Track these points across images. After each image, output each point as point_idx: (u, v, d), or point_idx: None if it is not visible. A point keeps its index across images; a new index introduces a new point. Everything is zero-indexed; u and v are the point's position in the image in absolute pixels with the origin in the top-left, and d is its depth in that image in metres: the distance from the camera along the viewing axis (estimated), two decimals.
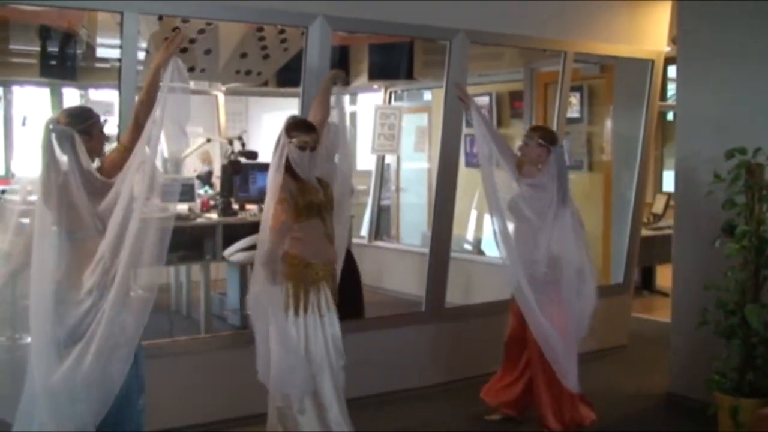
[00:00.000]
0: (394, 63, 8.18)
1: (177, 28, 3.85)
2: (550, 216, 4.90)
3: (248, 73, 7.30)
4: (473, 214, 8.60)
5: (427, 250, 6.19)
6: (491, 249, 8.32)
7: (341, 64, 8.21)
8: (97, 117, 3.88)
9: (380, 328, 5.80)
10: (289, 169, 4.28)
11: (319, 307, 4.35)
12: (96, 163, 3.75)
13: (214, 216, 6.72)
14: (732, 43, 5.48)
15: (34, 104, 9.39)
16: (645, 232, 7.88)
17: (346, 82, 4.77)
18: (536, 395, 5.08)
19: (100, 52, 7.31)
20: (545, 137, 5.09)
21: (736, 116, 5.43)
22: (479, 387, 5.36)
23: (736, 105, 5.46)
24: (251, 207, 7.11)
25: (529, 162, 5.06)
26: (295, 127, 4.33)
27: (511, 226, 5.04)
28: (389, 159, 9.50)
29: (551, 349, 4.87)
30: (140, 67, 6.48)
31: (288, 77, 7.67)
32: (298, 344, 4.27)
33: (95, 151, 3.78)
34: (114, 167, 3.66)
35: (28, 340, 4.59)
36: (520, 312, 4.97)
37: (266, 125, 11.52)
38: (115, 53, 6.47)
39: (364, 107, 10.11)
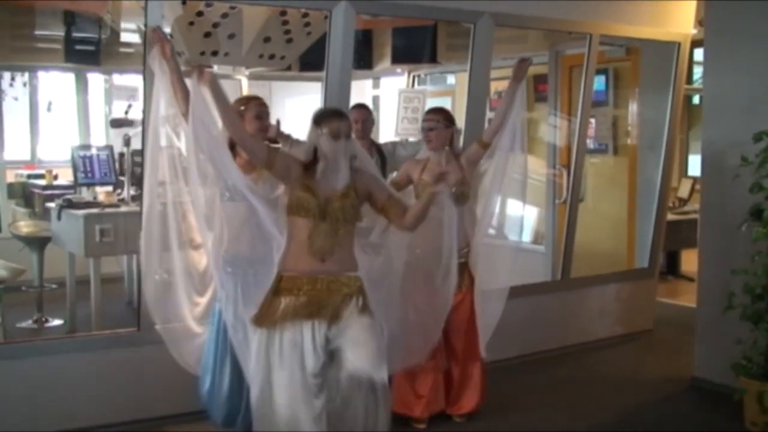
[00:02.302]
0: (417, 46, 8.15)
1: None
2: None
3: (272, 57, 7.28)
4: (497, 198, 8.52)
5: None
6: (515, 233, 8.28)
7: (365, 47, 8.21)
8: (249, 104, 4.30)
9: None
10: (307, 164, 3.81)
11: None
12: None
13: None
14: (760, 26, 5.40)
15: (59, 89, 9.46)
16: (670, 217, 7.81)
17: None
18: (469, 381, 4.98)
19: (124, 37, 7.34)
20: (449, 118, 4.97)
21: (764, 99, 5.36)
22: (507, 370, 5.35)
23: (764, 88, 5.38)
24: None
25: (438, 146, 4.89)
26: (323, 115, 3.81)
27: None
28: None
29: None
30: None
31: (311, 61, 7.66)
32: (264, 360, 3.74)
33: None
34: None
35: (55, 323, 4.61)
36: None
37: (290, 109, 11.54)
38: (139, 38, 6.47)
39: (387, 91, 10.09)
